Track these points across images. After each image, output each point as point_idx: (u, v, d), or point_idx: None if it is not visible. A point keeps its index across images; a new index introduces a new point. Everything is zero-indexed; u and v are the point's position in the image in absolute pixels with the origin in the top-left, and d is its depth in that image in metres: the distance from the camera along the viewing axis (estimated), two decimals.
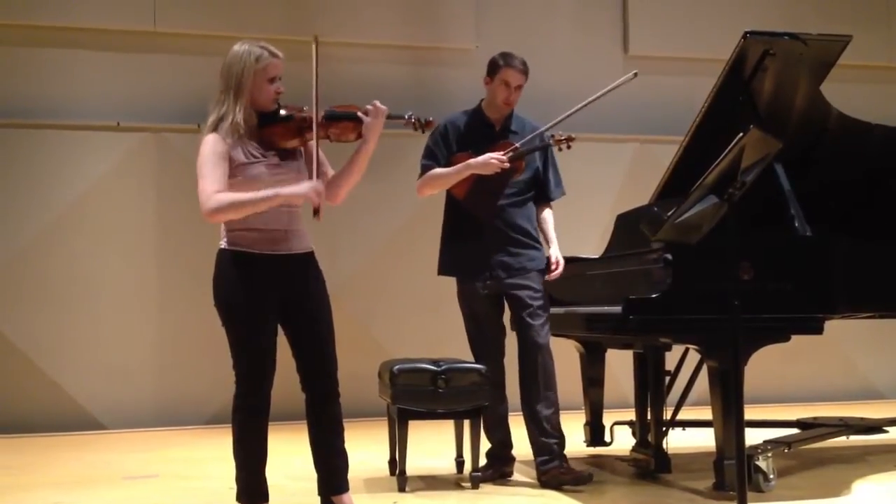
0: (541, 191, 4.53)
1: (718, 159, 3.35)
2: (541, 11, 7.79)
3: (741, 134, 3.31)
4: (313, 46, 3.33)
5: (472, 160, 4.29)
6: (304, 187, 3.25)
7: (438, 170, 4.40)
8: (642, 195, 4.74)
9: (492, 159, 4.25)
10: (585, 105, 4.30)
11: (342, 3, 7.46)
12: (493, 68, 4.40)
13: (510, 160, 4.28)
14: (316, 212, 3.24)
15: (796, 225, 4.21)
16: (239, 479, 3.37)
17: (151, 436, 6.53)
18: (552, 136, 4.40)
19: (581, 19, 7.90)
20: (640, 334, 4.21)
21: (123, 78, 7.10)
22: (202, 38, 7.20)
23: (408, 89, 7.44)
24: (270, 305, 3.31)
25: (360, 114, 3.39)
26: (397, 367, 4.32)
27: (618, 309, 4.02)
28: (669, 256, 3.95)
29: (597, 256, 4.89)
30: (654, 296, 3.94)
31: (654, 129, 6.91)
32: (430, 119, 3.67)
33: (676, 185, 4.51)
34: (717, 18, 7.90)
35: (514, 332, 4.40)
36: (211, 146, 3.27)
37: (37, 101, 6.91)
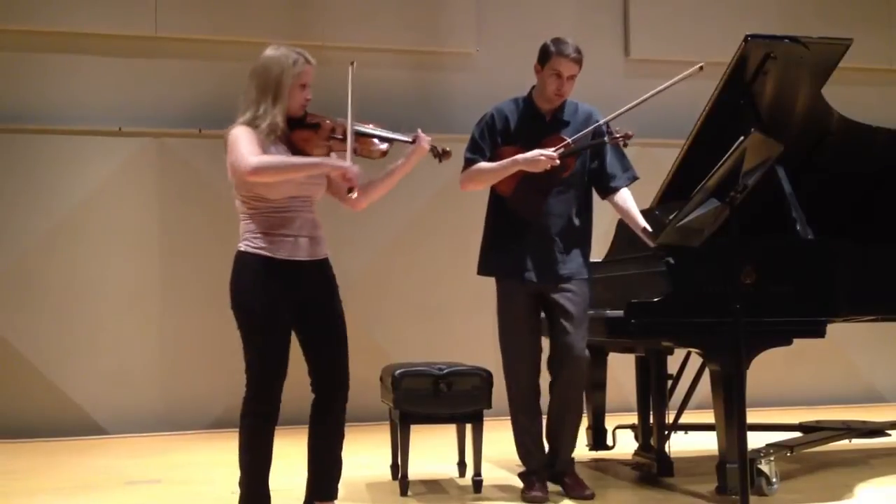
0: (605, 181, 4.21)
1: (720, 163, 3.36)
2: (542, 15, 7.79)
3: (742, 137, 3.32)
4: (350, 70, 3.38)
5: (519, 156, 4.00)
6: (346, 162, 3.27)
7: (484, 164, 4.13)
8: (644, 199, 4.73)
9: (541, 156, 3.95)
10: (645, 100, 4.01)
11: (344, 7, 7.47)
12: (544, 56, 4.09)
13: (561, 157, 3.99)
14: (351, 189, 3.27)
15: (798, 228, 4.21)
16: (243, 485, 3.36)
17: (153, 441, 6.53)
18: (608, 132, 4.10)
19: (582, 23, 7.90)
20: (642, 338, 4.20)
21: (125, 83, 7.11)
22: (203, 43, 7.21)
23: (409, 93, 7.46)
24: (287, 311, 3.32)
25: (404, 138, 3.46)
26: (399, 371, 4.32)
27: (620, 312, 4.02)
28: (671, 260, 3.95)
29: (599, 260, 4.88)
30: (656, 299, 3.94)
31: (655, 133, 6.91)
32: (449, 150, 3.64)
33: (678, 189, 4.50)
34: (718, 22, 7.91)
35: (549, 339, 4.22)
36: (243, 130, 3.26)
37: (38, 106, 6.92)
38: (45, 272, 6.76)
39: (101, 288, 6.85)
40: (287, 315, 3.32)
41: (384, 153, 3.46)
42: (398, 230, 7.31)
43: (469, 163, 4.20)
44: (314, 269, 3.40)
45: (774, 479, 4.09)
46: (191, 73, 7.17)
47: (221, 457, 5.47)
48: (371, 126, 3.46)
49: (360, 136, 3.40)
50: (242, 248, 3.33)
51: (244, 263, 3.32)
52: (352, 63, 3.40)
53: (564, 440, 4.24)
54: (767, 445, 4.29)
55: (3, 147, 6.78)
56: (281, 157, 3.24)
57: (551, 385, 4.22)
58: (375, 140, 3.43)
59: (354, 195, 3.29)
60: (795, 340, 4.10)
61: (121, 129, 6.99)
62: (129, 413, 6.82)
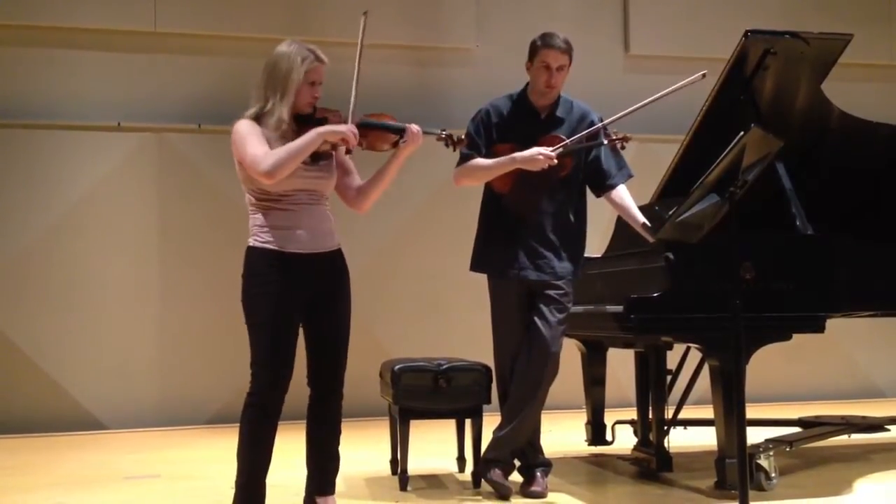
0: (600, 179, 4.19)
1: (719, 158, 3.35)
2: (541, 11, 7.78)
3: (742, 133, 3.31)
4: (362, 20, 3.40)
5: (518, 154, 3.98)
6: (343, 127, 3.28)
7: (480, 160, 4.11)
8: (643, 194, 4.73)
9: (540, 155, 3.94)
10: (645, 105, 4.01)
11: (343, 2, 7.45)
12: (532, 51, 4.10)
13: (558, 157, 3.96)
14: (349, 151, 3.33)
15: (798, 224, 4.21)
16: (238, 481, 3.31)
17: (152, 436, 6.53)
18: (606, 134, 4.05)
19: (582, 19, 7.89)
20: (641, 333, 4.20)
21: (124, 78, 7.11)
22: (203, 39, 7.21)
23: (409, 89, 7.45)
24: (295, 305, 3.31)
25: (399, 130, 3.42)
26: (399, 366, 4.32)
27: (619, 308, 4.02)
28: (671, 255, 3.95)
29: (598, 256, 4.88)
30: (655, 295, 3.94)
31: (654, 129, 6.91)
32: (463, 137, 3.68)
33: (677, 185, 4.50)
34: (718, 17, 7.90)
35: (528, 331, 4.15)
36: (247, 125, 3.27)
37: (38, 101, 6.91)
38: (44, 267, 6.76)
39: (100, 283, 6.85)
40: (295, 310, 3.32)
41: (394, 144, 3.43)
42: (396, 227, 7.30)
43: (465, 158, 4.17)
44: (324, 262, 3.38)
45: (773, 475, 4.10)
46: (190, 69, 7.16)
47: (220, 452, 5.47)
48: (378, 118, 3.44)
49: (367, 128, 3.38)
50: (251, 243, 3.34)
51: (253, 258, 3.32)
52: (364, 13, 3.40)
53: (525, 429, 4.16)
54: (767, 440, 4.29)
55: (2, 142, 6.78)
56: (284, 148, 3.21)
57: (515, 376, 4.14)
58: (380, 131, 3.42)
59: (351, 153, 3.36)
60: (795, 336, 4.11)
61: (120, 125, 6.99)
62: (128, 408, 6.83)
